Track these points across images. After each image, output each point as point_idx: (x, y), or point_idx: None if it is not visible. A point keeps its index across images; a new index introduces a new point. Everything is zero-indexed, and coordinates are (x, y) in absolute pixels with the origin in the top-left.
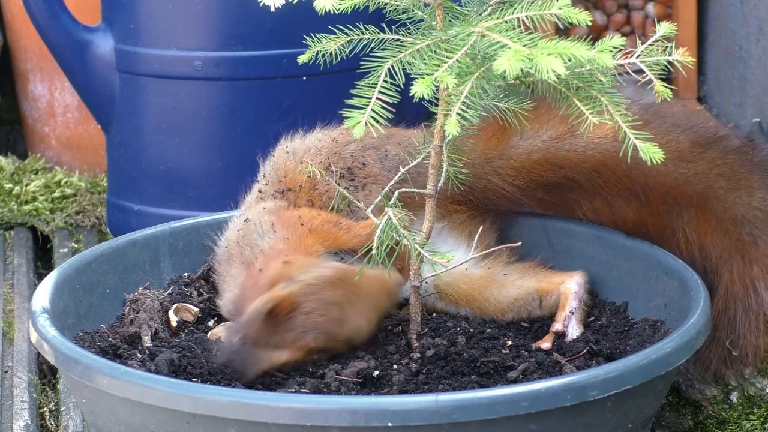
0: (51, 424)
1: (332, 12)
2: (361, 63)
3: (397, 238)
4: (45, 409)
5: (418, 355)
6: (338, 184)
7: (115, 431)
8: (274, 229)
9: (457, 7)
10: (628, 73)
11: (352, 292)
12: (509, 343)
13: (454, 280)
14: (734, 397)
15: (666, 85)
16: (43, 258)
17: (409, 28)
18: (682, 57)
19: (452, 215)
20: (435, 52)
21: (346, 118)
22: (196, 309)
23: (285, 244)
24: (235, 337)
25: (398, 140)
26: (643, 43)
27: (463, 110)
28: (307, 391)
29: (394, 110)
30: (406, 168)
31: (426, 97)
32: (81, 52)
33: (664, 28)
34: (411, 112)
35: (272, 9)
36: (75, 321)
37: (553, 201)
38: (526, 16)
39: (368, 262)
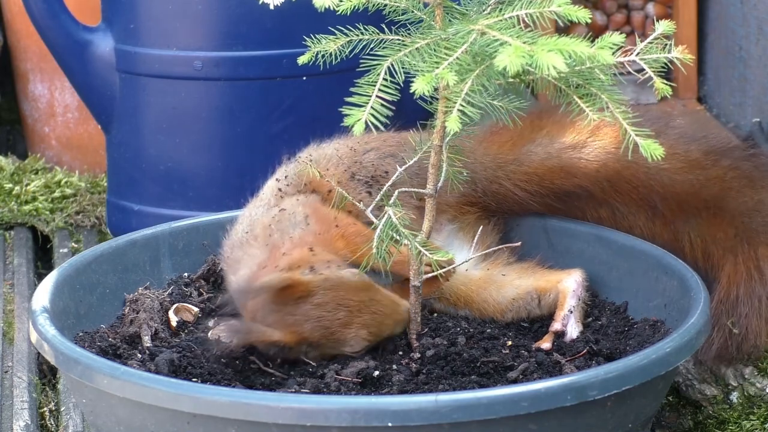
0: (51, 424)
1: (332, 12)
2: (361, 61)
3: (397, 237)
4: (45, 409)
5: (418, 355)
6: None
7: (115, 431)
8: (307, 221)
9: (457, 7)
10: (629, 72)
11: (365, 304)
12: (509, 343)
13: (453, 282)
14: (734, 397)
15: (666, 82)
16: (43, 258)
17: (408, 29)
18: (682, 54)
19: (464, 216)
20: (435, 50)
21: (346, 116)
22: (196, 309)
23: (314, 238)
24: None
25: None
26: (642, 42)
27: (463, 107)
28: (307, 391)
29: (393, 108)
30: (405, 167)
31: (426, 93)
32: (81, 52)
33: (663, 26)
34: (410, 110)
35: (271, 7)
36: (75, 321)
37: (561, 207)
38: (526, 14)
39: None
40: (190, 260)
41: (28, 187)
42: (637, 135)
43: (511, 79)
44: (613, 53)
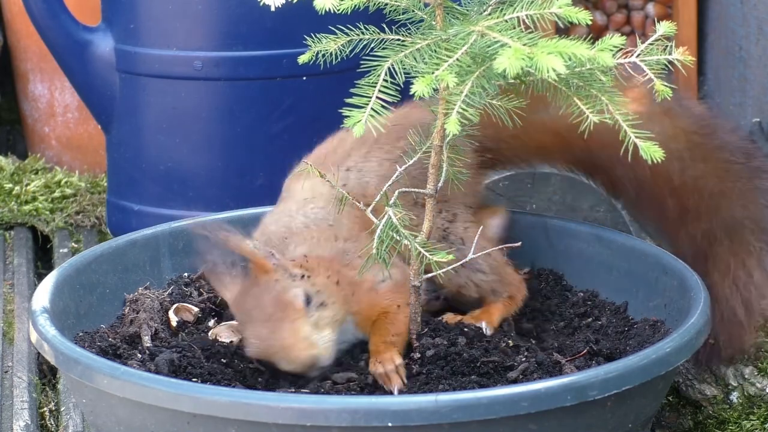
0: (51, 424)
1: (332, 12)
2: (361, 62)
3: (398, 237)
4: (45, 409)
5: (418, 355)
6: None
7: (115, 431)
8: (357, 242)
9: (457, 7)
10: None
11: (269, 321)
12: (510, 343)
13: None
14: (734, 397)
15: (666, 84)
16: (43, 258)
17: (409, 29)
18: (682, 56)
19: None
20: (435, 51)
21: (347, 117)
22: (196, 309)
23: (346, 266)
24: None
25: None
26: (643, 43)
27: (463, 109)
28: (307, 391)
29: (394, 109)
30: (404, 167)
31: (426, 95)
32: (81, 52)
33: (664, 27)
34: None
35: (272, 8)
36: (75, 321)
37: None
38: (527, 15)
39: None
40: (190, 260)
41: (28, 187)
42: (637, 137)
43: (511, 81)
44: (614, 55)
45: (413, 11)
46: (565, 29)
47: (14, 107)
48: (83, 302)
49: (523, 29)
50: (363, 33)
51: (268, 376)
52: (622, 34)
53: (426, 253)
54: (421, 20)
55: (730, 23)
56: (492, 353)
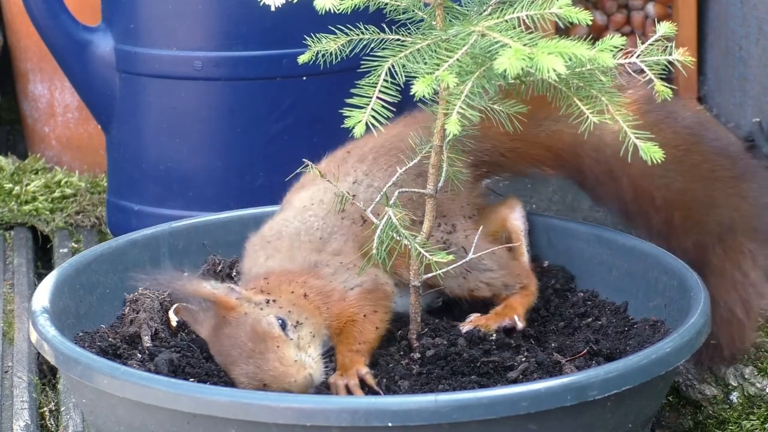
0: (51, 424)
1: (332, 12)
2: (362, 63)
3: (398, 237)
4: (45, 409)
5: (418, 355)
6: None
7: (115, 431)
8: (339, 255)
9: (458, 7)
10: (629, 73)
11: (254, 354)
12: (513, 343)
13: None
14: (734, 397)
15: (666, 84)
16: (43, 258)
17: (409, 29)
18: (683, 57)
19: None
20: (435, 51)
21: (347, 117)
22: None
23: (313, 276)
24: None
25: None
26: (643, 43)
27: (463, 109)
28: None
29: (394, 110)
30: (404, 169)
31: (427, 96)
32: (81, 52)
33: (664, 28)
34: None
35: (272, 8)
36: (75, 321)
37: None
38: (527, 16)
39: (368, 261)
40: (190, 260)
41: (28, 187)
42: (636, 138)
43: (511, 81)
44: (614, 55)
45: (413, 11)
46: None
47: (14, 107)
48: (83, 302)
49: (524, 29)
50: (363, 33)
51: None
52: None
53: (426, 254)
54: (421, 20)
55: (730, 23)
56: (492, 353)
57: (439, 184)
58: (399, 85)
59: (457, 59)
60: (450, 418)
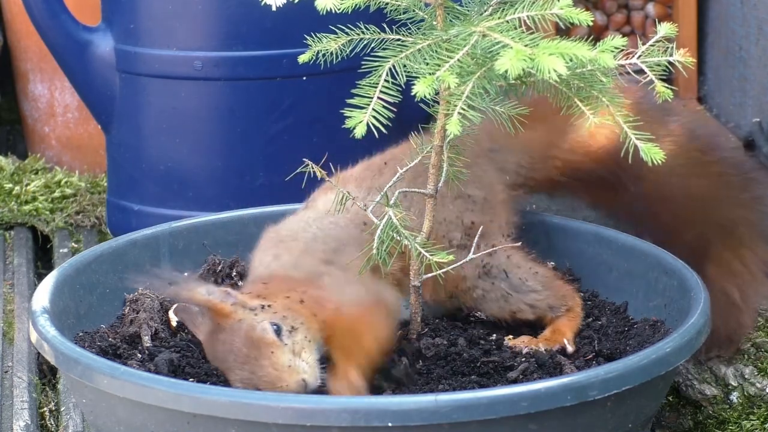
0: (51, 424)
1: (333, 12)
2: (362, 63)
3: (398, 238)
4: (45, 409)
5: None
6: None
7: (115, 431)
8: (344, 271)
9: (458, 7)
10: (628, 73)
11: (248, 360)
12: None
13: None
14: (734, 397)
15: (667, 85)
16: (43, 258)
17: (409, 29)
18: (683, 57)
19: None
20: (436, 51)
21: (347, 117)
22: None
23: (313, 285)
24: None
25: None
26: (643, 44)
27: (464, 109)
28: None
29: (395, 110)
30: (405, 169)
31: (427, 96)
32: (81, 52)
33: (665, 28)
34: (412, 111)
35: (273, 8)
36: (75, 321)
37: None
38: (528, 16)
39: (368, 262)
40: (190, 260)
41: (28, 187)
42: (637, 138)
43: (512, 81)
44: (615, 56)
45: (414, 11)
46: (565, 30)
47: (14, 107)
48: (83, 302)
49: (524, 30)
50: (363, 33)
51: None
52: (622, 35)
53: (426, 254)
54: (422, 20)
55: (730, 23)
56: (492, 353)
57: (439, 184)
58: (400, 86)
59: (458, 60)
60: (450, 418)
